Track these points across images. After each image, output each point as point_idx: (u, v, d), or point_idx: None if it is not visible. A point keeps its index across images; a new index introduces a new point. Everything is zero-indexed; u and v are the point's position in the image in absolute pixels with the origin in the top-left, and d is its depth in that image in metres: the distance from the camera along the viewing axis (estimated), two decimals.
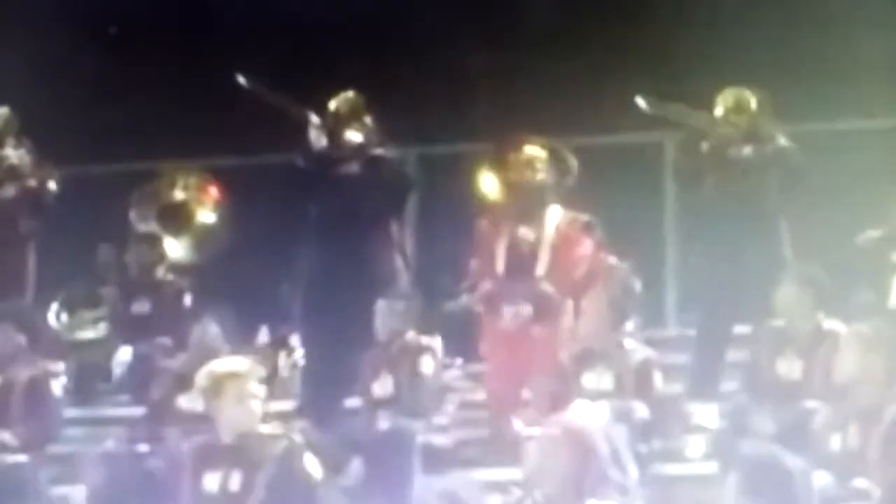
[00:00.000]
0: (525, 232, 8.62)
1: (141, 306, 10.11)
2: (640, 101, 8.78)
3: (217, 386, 7.05)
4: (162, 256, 9.84)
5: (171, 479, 7.37)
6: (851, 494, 6.88)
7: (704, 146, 8.84)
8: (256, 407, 7.01)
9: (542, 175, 8.55)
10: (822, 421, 7.00)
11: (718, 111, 8.89)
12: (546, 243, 8.57)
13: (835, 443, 6.91)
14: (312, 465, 6.97)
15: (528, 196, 8.55)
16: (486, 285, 8.63)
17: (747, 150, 8.81)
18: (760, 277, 8.37)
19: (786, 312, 7.97)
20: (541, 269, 8.54)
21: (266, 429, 7.06)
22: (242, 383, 7.01)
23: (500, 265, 8.60)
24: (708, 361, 8.63)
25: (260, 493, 6.88)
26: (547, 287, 8.47)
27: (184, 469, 7.13)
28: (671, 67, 9.32)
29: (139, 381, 9.50)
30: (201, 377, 7.13)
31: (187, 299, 9.94)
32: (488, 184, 8.70)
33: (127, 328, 10.10)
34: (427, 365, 8.49)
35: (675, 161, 9.07)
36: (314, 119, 8.97)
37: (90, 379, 9.83)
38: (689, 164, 8.97)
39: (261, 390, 7.05)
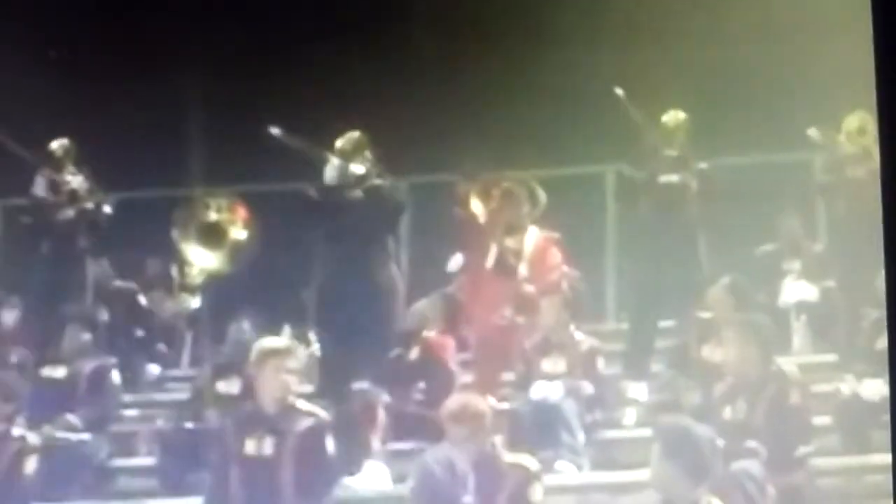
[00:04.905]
0: (510, 243, 10.21)
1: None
2: (619, 92, 10.02)
3: (260, 360, 8.10)
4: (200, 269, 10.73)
5: (218, 445, 8.40)
6: (744, 452, 8.30)
7: (640, 175, 10.27)
8: (291, 381, 7.99)
9: (521, 205, 10.15)
10: (718, 395, 8.43)
11: (661, 133, 10.23)
12: (527, 254, 10.18)
13: (727, 413, 8.35)
14: (330, 443, 8.05)
15: (511, 219, 10.15)
16: (475, 280, 10.14)
17: (675, 177, 10.22)
18: (681, 280, 9.86)
19: (714, 307, 9.49)
20: (523, 272, 10.15)
21: (302, 405, 8.09)
22: (280, 359, 8.02)
23: (489, 263, 10.12)
24: (640, 348, 10.04)
25: (288, 460, 7.93)
26: (528, 288, 10.06)
27: (228, 436, 8.15)
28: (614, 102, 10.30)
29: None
30: (251, 354, 8.16)
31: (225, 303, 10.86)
32: (475, 206, 10.33)
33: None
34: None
35: (618, 186, 10.55)
36: (333, 160, 10.30)
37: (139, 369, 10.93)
38: (628, 189, 10.42)
39: (296, 367, 8.03)
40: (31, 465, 9.10)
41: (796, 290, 10.69)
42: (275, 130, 10.25)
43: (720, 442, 8.12)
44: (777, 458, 8.36)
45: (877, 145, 10.23)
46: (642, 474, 8.14)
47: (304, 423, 8.13)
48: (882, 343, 9.49)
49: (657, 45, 10.40)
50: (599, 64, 10.36)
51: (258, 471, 8.11)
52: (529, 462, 8.06)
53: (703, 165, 10.26)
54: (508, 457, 7.94)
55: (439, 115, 10.79)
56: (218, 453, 8.40)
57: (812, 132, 10.42)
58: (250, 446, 8.17)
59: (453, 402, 7.99)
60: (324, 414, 8.37)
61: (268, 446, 8.11)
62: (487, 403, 7.81)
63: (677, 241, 10.14)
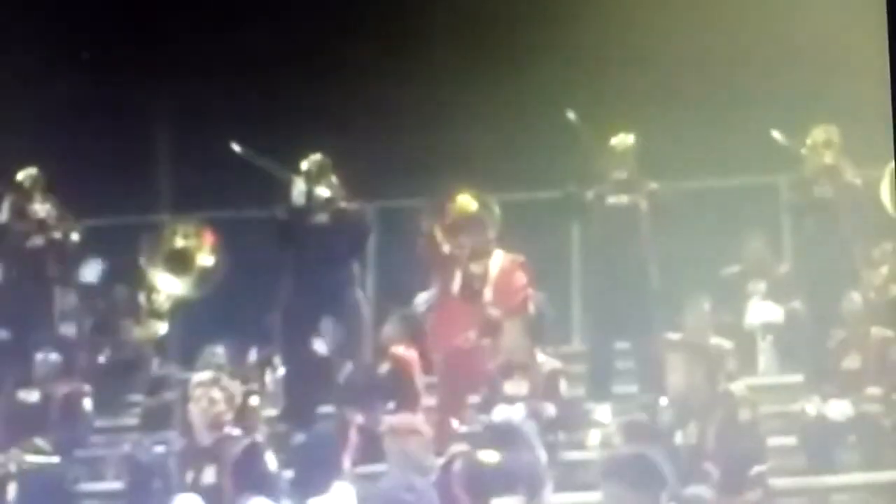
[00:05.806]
0: (475, 267, 10.39)
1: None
2: (571, 116, 10.13)
3: (189, 394, 8.38)
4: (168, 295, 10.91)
5: (165, 478, 8.72)
6: (696, 477, 8.44)
7: (589, 195, 10.38)
8: (217, 409, 8.23)
9: (485, 229, 10.27)
10: (667, 419, 8.57)
11: (610, 156, 10.32)
12: (491, 277, 10.32)
13: (678, 438, 8.50)
14: (270, 461, 8.27)
15: (475, 245, 10.25)
16: (442, 305, 10.23)
17: (624, 199, 10.35)
18: (634, 302, 10.01)
19: (688, 329, 9.66)
20: (487, 296, 10.29)
21: (234, 431, 8.33)
22: (204, 391, 8.24)
23: (455, 289, 10.29)
24: (600, 370, 10.19)
25: (229, 484, 8.14)
26: (493, 311, 10.18)
27: (170, 470, 8.45)
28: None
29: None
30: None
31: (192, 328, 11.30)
32: (441, 230, 10.46)
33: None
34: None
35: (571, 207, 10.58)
36: (298, 181, 10.45)
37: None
38: (577, 209, 10.52)
39: (221, 397, 8.22)
40: (12, 490, 9.25)
41: (762, 311, 10.81)
42: (237, 147, 10.32)
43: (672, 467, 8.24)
44: (731, 479, 8.45)
45: (844, 158, 10.46)
46: None
47: (239, 446, 8.31)
48: (847, 363, 9.63)
49: (618, 70, 10.58)
50: (564, 91, 10.51)
51: (203, 500, 8.28)
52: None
53: (653, 186, 10.30)
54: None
55: (406, 141, 10.95)
56: (162, 487, 8.67)
57: (777, 135, 10.46)
58: (191, 477, 8.36)
59: (389, 420, 8.13)
60: (260, 436, 8.52)
61: (209, 475, 8.29)
62: (420, 420, 7.91)
63: (629, 262, 10.26)
